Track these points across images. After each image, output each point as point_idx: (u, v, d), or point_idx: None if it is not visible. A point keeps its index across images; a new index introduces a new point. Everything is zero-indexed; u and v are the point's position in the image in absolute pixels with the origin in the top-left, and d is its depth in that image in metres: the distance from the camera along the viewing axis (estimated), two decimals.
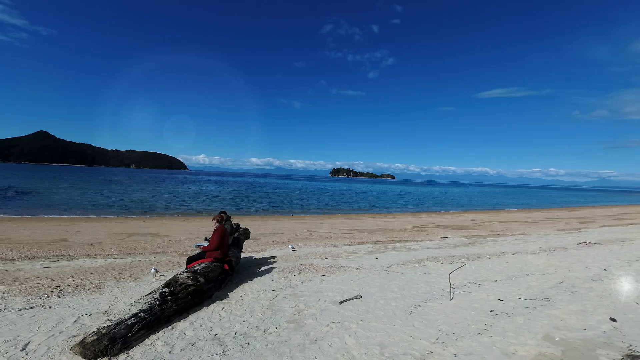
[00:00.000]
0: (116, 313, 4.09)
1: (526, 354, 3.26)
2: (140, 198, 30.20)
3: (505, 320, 4.14)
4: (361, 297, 5.01)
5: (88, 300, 4.72)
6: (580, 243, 10.51)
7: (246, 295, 5.08)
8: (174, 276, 4.64)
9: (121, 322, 3.42)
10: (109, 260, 7.52)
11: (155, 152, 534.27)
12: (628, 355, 3.13)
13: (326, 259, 8.01)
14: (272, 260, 7.79)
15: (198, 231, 12.99)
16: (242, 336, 3.66)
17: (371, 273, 6.56)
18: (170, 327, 3.85)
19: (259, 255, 8.34)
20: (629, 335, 3.62)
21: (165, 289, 4.25)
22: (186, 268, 5.39)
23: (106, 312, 4.23)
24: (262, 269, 6.88)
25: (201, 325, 3.92)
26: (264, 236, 12.07)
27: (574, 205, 46.43)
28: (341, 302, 4.75)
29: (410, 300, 4.89)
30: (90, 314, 4.14)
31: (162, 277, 5.93)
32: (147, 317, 3.65)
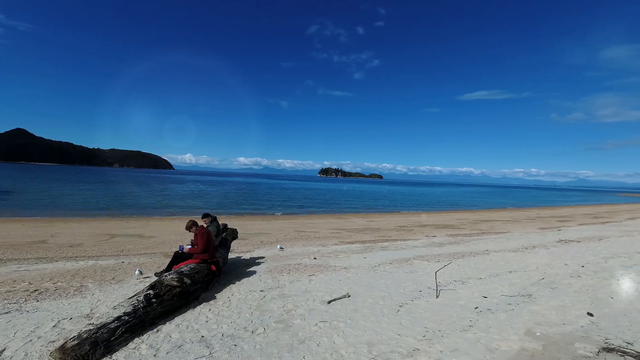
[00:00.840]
0: (98, 317, 3.97)
1: (509, 349, 3.35)
2: (123, 198, 29.42)
3: (489, 316, 4.24)
4: (349, 296, 5.04)
5: (68, 304, 4.56)
6: (560, 241, 10.89)
7: (234, 296, 5.02)
8: (159, 278, 4.54)
9: (104, 325, 3.32)
10: (90, 262, 7.29)
11: (140, 151, 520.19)
12: (604, 348, 3.27)
13: (315, 258, 8.02)
14: (260, 260, 7.73)
15: (184, 232, 12.74)
16: (229, 338, 3.62)
17: (359, 272, 6.61)
18: (155, 329, 3.77)
19: (246, 256, 8.27)
20: (604, 329, 3.78)
21: (150, 291, 4.16)
22: (171, 269, 5.29)
23: (88, 316, 4.11)
24: (250, 269, 6.82)
25: (187, 328, 3.86)
26: (252, 236, 11.97)
27: (554, 204, 48.09)
28: (329, 302, 4.76)
29: (398, 299, 4.95)
30: (71, 318, 4.01)
31: (147, 279, 5.80)
32: (131, 320, 3.57)
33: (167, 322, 3.98)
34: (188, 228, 5.82)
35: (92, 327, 3.27)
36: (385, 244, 10.76)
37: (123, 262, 7.35)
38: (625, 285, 5.56)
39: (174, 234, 12.27)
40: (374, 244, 10.62)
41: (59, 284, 5.50)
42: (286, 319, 4.14)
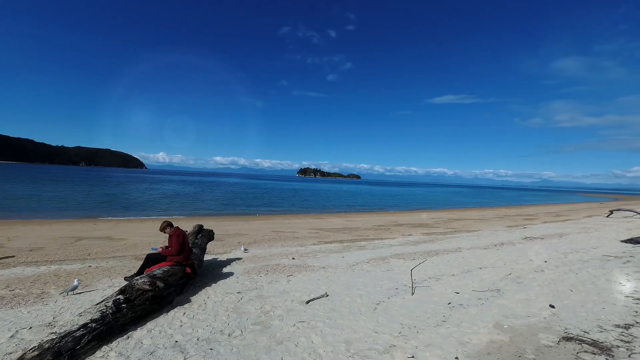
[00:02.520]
0: (62, 325, 3.74)
1: (479, 341, 3.51)
2: (90, 199, 27.80)
3: (461, 311, 4.42)
4: (328, 295, 5.07)
5: (28, 312, 4.25)
6: (526, 238, 11.54)
7: (210, 299, 4.90)
8: (130, 282, 4.34)
9: (68, 334, 3.13)
10: (53, 267, 6.84)
11: (109, 149, 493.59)
12: (564, 338, 3.51)
13: (293, 259, 7.99)
14: (237, 261, 7.60)
15: (157, 233, 12.26)
16: (205, 341, 3.53)
17: (337, 272, 6.66)
18: (125, 336, 3.60)
19: (223, 257, 8.09)
20: (565, 319, 4.05)
21: (120, 296, 3.97)
22: (142, 273, 5.08)
23: (50, 325, 3.85)
24: (227, 271, 6.68)
25: (160, 333, 3.72)
26: (229, 237, 11.73)
27: (520, 203, 50.92)
28: (308, 302, 4.77)
29: (375, 297, 5.04)
30: (31, 327, 3.74)
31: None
32: (99, 327, 3.38)
33: (139, 328, 3.82)
34: (162, 229, 5.61)
35: (54, 336, 3.07)
36: (363, 243, 10.91)
37: (90, 266, 6.96)
38: (582, 278, 5.98)
39: (145, 236, 11.77)
40: (352, 244, 10.74)
41: (17, 291, 5.12)
42: (264, 321, 4.10)
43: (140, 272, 5.27)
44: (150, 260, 5.43)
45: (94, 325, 3.37)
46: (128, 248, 9.51)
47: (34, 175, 70.34)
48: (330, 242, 11.06)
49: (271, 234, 13.07)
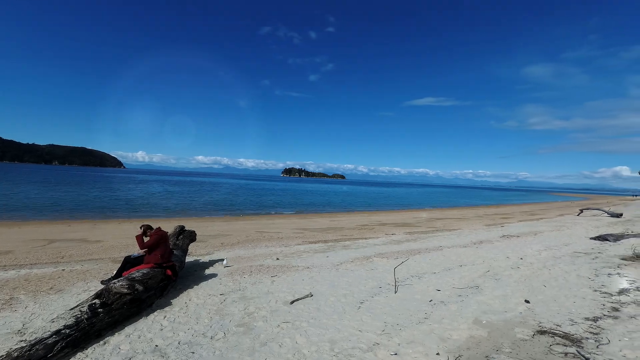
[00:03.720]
0: (33, 332, 3.56)
1: (459, 337, 3.62)
2: (65, 199, 26.55)
3: (442, 308, 4.53)
4: (312, 295, 5.07)
5: None
6: (503, 236, 11.98)
7: (191, 302, 4.79)
8: (107, 285, 4.18)
9: (39, 341, 2.98)
10: (23, 271, 6.48)
11: (85, 148, 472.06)
12: (538, 331, 3.67)
13: (277, 259, 7.94)
14: (220, 263, 7.46)
15: (135, 234, 11.89)
16: (186, 345, 3.45)
17: (322, 271, 6.67)
18: (102, 342, 3.47)
19: (205, 259, 7.93)
20: (539, 314, 4.24)
21: (96, 300, 3.81)
22: (120, 276, 4.91)
23: (19, 332, 3.65)
24: (209, 272, 6.56)
25: (139, 338, 3.60)
26: (211, 238, 11.51)
27: (498, 203, 52.81)
28: (292, 302, 4.75)
29: (359, 296, 5.09)
30: None
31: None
32: (73, 334, 3.24)
33: (116, 333, 3.68)
34: (142, 234, 5.45)
35: (24, 345, 2.92)
36: (347, 242, 10.99)
37: (63, 269, 6.65)
38: (555, 274, 6.27)
39: (124, 238, 11.38)
40: (337, 243, 10.80)
41: None
42: (248, 322, 4.05)
43: (118, 275, 5.09)
44: (129, 262, 5.26)
45: (67, 331, 3.22)
46: (105, 250, 9.16)
47: (2, 174, 66.50)
48: (315, 242, 11.07)
49: (255, 234, 12.93)
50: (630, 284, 5.26)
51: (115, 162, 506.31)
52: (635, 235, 10.26)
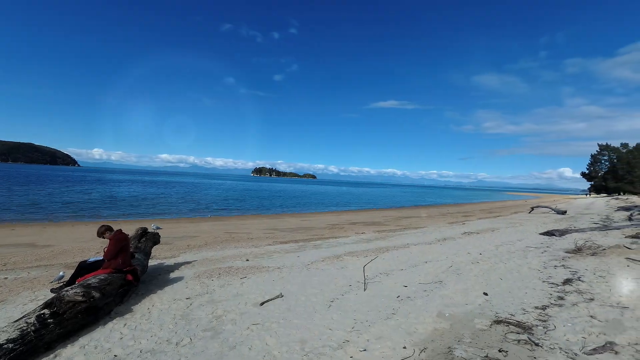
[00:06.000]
0: None
1: (424, 330, 3.78)
2: (7, 200, 24.02)
3: (409, 303, 4.71)
4: (283, 296, 5.04)
5: None
6: (464, 233, 12.69)
7: (154, 307, 4.56)
8: (59, 293, 3.85)
9: None
10: None
11: (32, 144, 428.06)
12: (495, 321, 3.94)
13: (247, 260, 7.79)
14: (186, 265, 7.17)
15: (92, 238, 11.05)
16: (149, 353, 3.27)
17: (293, 271, 6.65)
18: (52, 355, 3.19)
19: (170, 262, 7.57)
20: (496, 305, 4.54)
21: (45, 310, 3.50)
22: (74, 282, 4.55)
23: None
24: (175, 276, 6.27)
25: (96, 348, 3.36)
26: (177, 240, 11.02)
27: (460, 202, 55.91)
28: (262, 303, 4.69)
29: (329, 295, 5.14)
30: None
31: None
32: (17, 348, 2.95)
33: (69, 345, 3.41)
34: (100, 234, 5.07)
35: None
36: (318, 242, 11.04)
37: (6, 278, 6.02)
38: (510, 267, 6.77)
39: (78, 242, 10.55)
40: (307, 243, 10.81)
41: None
42: (215, 326, 3.93)
43: (71, 282, 4.71)
44: (84, 268, 4.88)
45: (10, 345, 2.93)
46: (56, 256, 8.43)
47: None
48: (286, 242, 11.00)
49: (224, 235, 12.58)
50: (573, 274, 5.81)
51: (68, 160, 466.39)
52: (577, 230, 11.34)
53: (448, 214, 26.43)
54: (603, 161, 67.66)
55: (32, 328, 3.21)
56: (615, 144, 65.08)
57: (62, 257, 8.28)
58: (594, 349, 3.16)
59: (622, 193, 55.08)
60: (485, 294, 5.03)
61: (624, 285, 4.96)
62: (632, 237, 9.27)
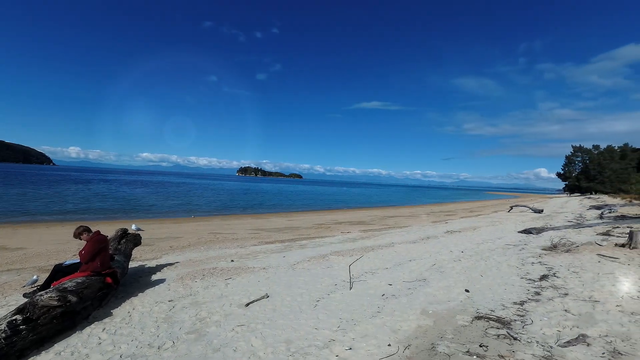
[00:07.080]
0: None
1: (408, 328, 3.85)
2: None
3: (394, 301, 4.78)
4: (268, 296, 5.00)
5: None
6: (447, 232, 12.99)
7: (135, 310, 4.43)
8: (32, 298, 3.68)
9: None
10: None
11: (2, 141, 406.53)
12: (476, 317, 4.05)
13: (232, 261, 7.68)
14: (169, 267, 7.00)
15: (69, 240, 10.61)
16: (129, 358, 3.18)
17: (278, 272, 6.61)
18: None
19: (152, 263, 7.38)
20: (477, 301, 4.68)
21: (17, 316, 3.33)
22: (49, 286, 4.36)
23: None
24: (157, 278, 6.12)
25: (72, 354, 3.23)
26: (159, 241, 10.74)
27: (443, 201, 57.21)
28: (248, 304, 4.64)
29: (315, 294, 5.14)
30: None
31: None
32: None
33: (44, 352, 3.26)
34: (77, 235, 4.87)
35: None
36: (304, 242, 11.03)
37: None
38: (490, 264, 6.98)
39: (53, 244, 10.11)
40: (293, 243, 10.78)
41: None
42: (199, 328, 3.86)
43: (46, 286, 4.51)
44: (60, 271, 4.69)
45: None
46: (29, 259, 8.05)
47: None
48: (272, 242, 10.93)
49: (208, 236, 12.36)
50: (549, 270, 6.05)
51: (42, 159, 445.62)
52: (553, 228, 11.84)
53: (431, 213, 26.99)
54: (577, 162, 70.98)
55: (3, 335, 3.05)
56: (588, 145, 68.52)
57: (35, 260, 7.92)
58: (568, 342, 3.31)
59: (594, 192, 57.85)
60: (467, 290, 5.16)
61: (595, 281, 5.22)
62: (603, 234, 9.78)
